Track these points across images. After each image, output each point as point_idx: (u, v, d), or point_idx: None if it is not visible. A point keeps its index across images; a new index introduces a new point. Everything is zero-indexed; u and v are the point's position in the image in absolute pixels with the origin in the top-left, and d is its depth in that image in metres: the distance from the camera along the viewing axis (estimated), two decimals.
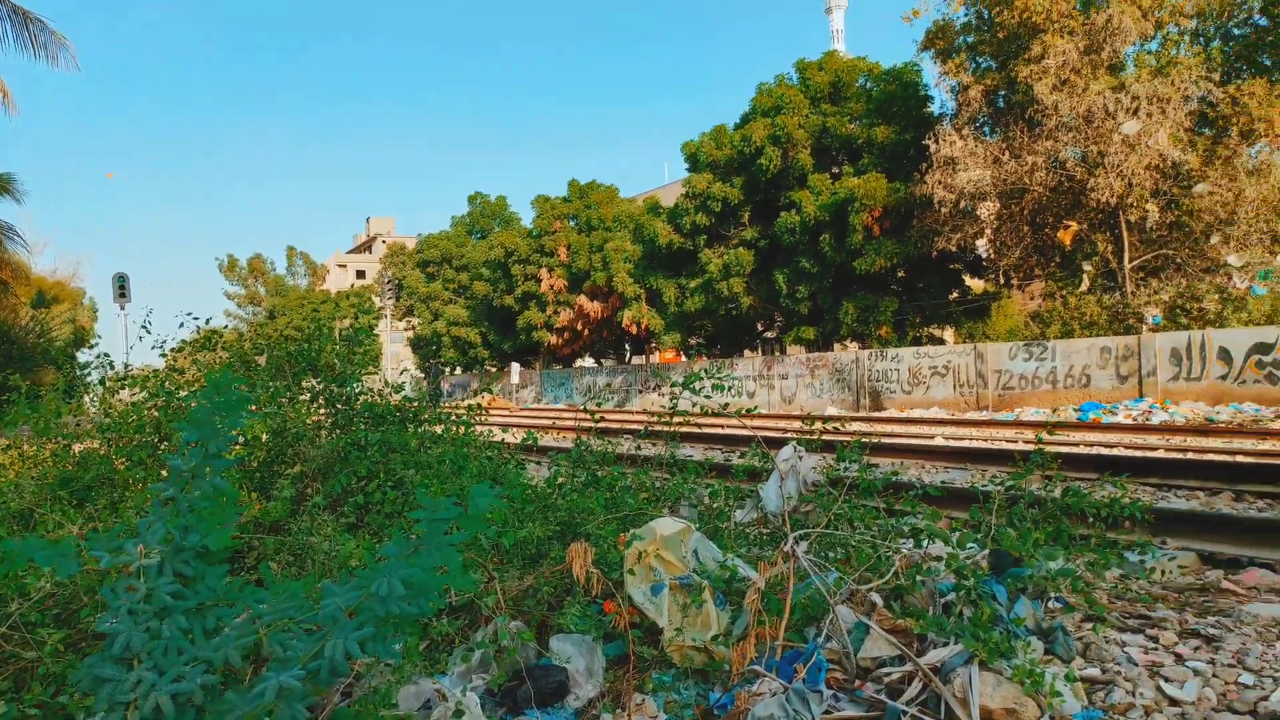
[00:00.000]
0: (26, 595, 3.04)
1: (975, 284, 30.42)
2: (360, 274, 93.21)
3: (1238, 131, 21.09)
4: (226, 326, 7.92)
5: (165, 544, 1.98)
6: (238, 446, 5.60)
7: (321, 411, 5.97)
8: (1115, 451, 12.21)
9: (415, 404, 6.12)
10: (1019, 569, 3.67)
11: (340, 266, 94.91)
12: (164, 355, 6.98)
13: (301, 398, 6.04)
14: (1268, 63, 21.94)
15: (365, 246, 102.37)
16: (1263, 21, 21.76)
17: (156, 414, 5.80)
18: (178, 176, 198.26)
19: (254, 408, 5.73)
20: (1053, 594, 3.76)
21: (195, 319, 7.28)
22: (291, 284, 69.85)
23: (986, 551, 3.84)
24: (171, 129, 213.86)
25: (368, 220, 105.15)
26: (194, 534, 1.99)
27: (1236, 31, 22.53)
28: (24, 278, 33.71)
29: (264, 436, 5.55)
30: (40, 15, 19.38)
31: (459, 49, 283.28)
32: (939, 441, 14.68)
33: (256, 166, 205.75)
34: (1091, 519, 4.22)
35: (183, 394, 5.74)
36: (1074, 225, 23.01)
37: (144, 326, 7.22)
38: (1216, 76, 21.28)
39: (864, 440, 5.22)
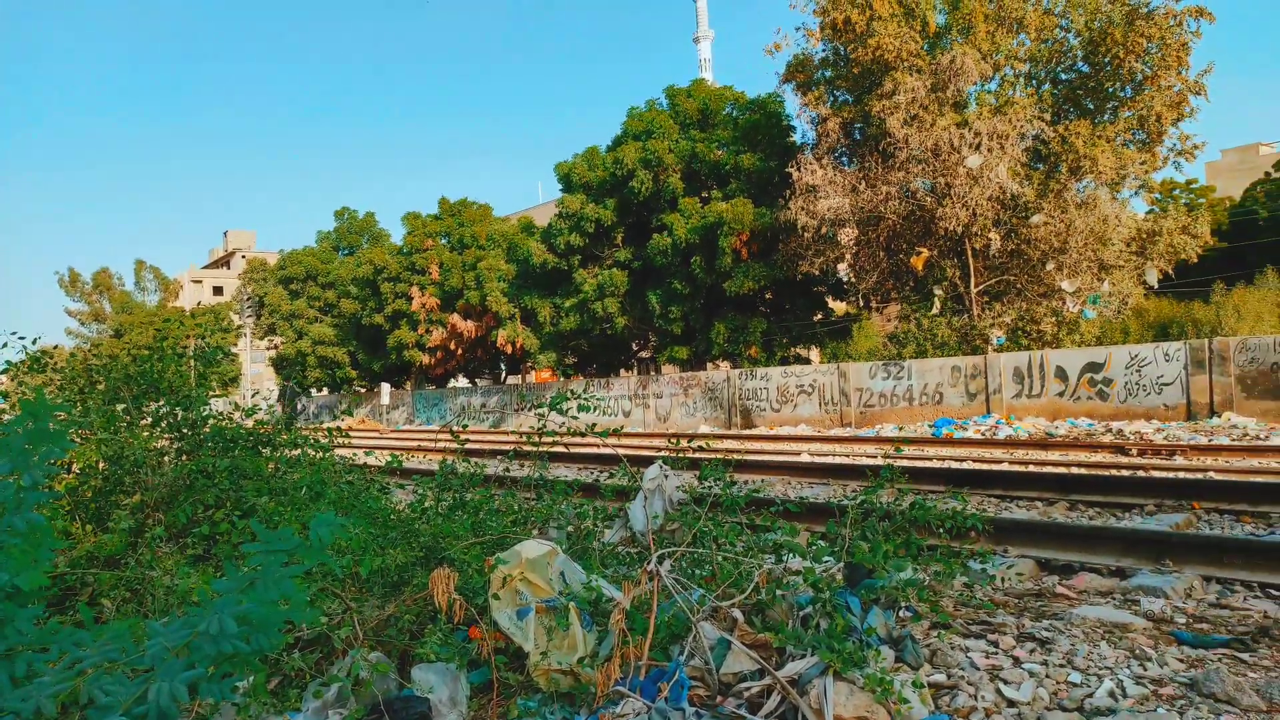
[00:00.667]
0: None
1: (838, 306, 31.77)
2: (218, 290, 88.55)
3: (1067, 168, 22.94)
4: (58, 346, 7.35)
5: None
6: (69, 476, 5.20)
7: (166, 437, 5.61)
8: (964, 465, 12.94)
9: (269, 427, 5.83)
10: (872, 580, 3.82)
11: (195, 282, 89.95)
12: None
13: (143, 422, 5.66)
14: (1090, 106, 24.02)
15: (223, 261, 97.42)
16: (1085, 68, 23.82)
17: None
18: (10, 184, 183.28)
19: (88, 433, 5.34)
20: (903, 603, 3.94)
21: (22, 339, 6.72)
22: (140, 300, 65.62)
23: (842, 564, 3.98)
24: (7, 137, 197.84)
25: (225, 234, 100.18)
26: (3, 573, 1.82)
27: (1064, 76, 24.56)
28: None
29: (100, 464, 5.17)
30: None
31: (324, 61, 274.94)
32: (804, 458, 15.17)
33: (101, 174, 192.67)
34: (939, 530, 4.45)
35: (5, 419, 5.28)
36: (925, 252, 24.40)
37: None
38: (1047, 116, 23.12)
39: (730, 458, 5.33)
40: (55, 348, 7.32)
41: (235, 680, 1.89)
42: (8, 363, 6.57)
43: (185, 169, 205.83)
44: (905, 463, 12.88)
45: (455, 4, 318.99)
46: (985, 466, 12.59)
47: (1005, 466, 12.61)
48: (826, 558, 4.02)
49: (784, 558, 4.15)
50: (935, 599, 4.18)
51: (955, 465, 12.98)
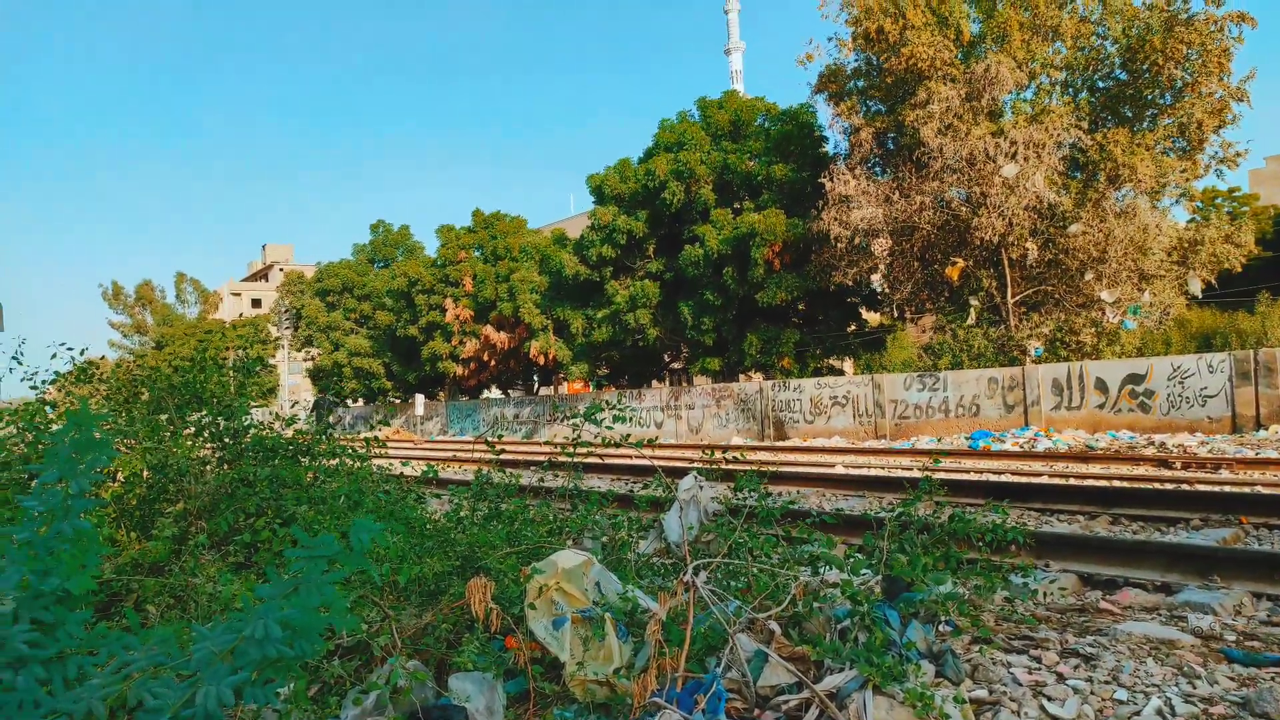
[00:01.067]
0: None
1: (871, 317, 31.53)
2: (256, 303, 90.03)
3: (1105, 177, 22.59)
4: (103, 357, 7.52)
5: (21, 589, 1.84)
6: (115, 484, 5.30)
7: (208, 446, 5.71)
8: (1003, 478, 12.75)
9: (308, 437, 5.90)
10: (911, 594, 3.77)
11: (234, 295, 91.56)
12: (35, 388, 6.59)
13: (186, 431, 5.77)
14: (1129, 114, 23.64)
15: (261, 274, 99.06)
16: (1123, 75, 23.47)
17: (24, 449, 5.45)
18: (59, 200, 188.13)
19: (133, 442, 5.44)
20: (943, 617, 3.88)
21: (70, 350, 6.88)
22: (181, 313, 66.89)
23: (880, 577, 3.93)
24: (52, 151, 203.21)
25: (264, 247, 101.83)
26: (53, 577, 1.86)
27: (1101, 84, 24.22)
28: None
29: (144, 473, 5.27)
30: None
31: (360, 75, 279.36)
32: (839, 470, 15.05)
33: (144, 190, 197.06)
34: (978, 543, 4.38)
35: (54, 428, 5.40)
36: (960, 262, 24.13)
37: (15, 358, 6.82)
38: (1085, 125, 22.80)
39: (764, 469, 5.31)
40: (100, 359, 7.49)
41: (278, 685, 1.91)
42: (56, 373, 6.74)
43: (225, 183, 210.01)
44: (942, 475, 12.70)
45: (488, 19, 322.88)
46: (1024, 479, 12.39)
47: (1045, 479, 12.40)
48: (864, 570, 3.98)
49: (820, 570, 4.11)
50: (976, 613, 4.11)
51: (993, 478, 12.79)
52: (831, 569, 4.05)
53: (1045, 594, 5.09)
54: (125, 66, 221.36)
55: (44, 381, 6.63)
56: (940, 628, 3.86)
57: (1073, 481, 11.96)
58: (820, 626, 3.56)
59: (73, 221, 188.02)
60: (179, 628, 2.14)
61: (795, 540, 4.68)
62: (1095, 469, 13.66)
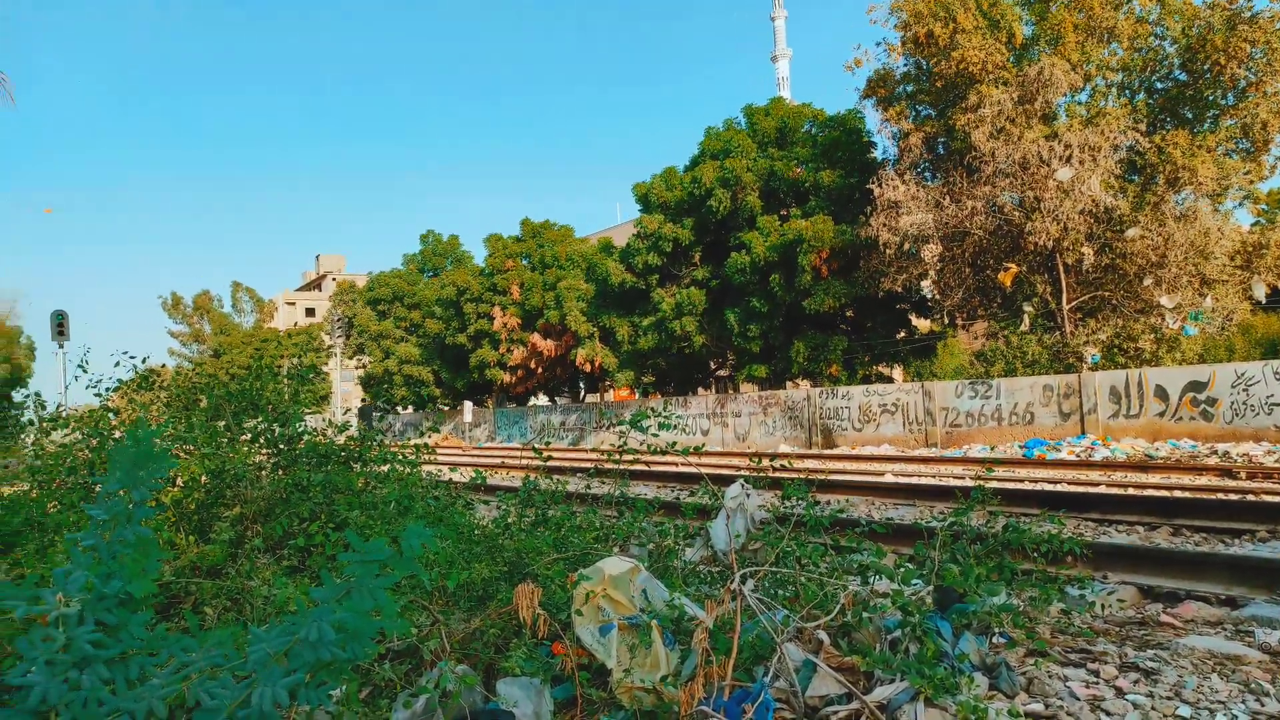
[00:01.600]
0: None
1: (921, 323, 31.06)
2: (310, 312, 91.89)
3: (1164, 179, 21.99)
4: (164, 365, 7.74)
5: (86, 591, 1.90)
6: (174, 489, 5.45)
7: (264, 452, 5.84)
8: (1059, 488, 12.46)
9: (360, 443, 6.01)
10: (963, 605, 3.70)
11: (289, 304, 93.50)
12: (99, 395, 6.80)
13: (243, 438, 5.90)
14: (1189, 115, 22.99)
15: (315, 284, 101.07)
16: (1182, 76, 22.84)
17: (89, 454, 5.63)
18: (121, 212, 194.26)
19: (191, 449, 5.59)
20: (996, 629, 3.80)
21: (132, 358, 7.09)
22: (237, 322, 68.53)
23: (931, 588, 3.87)
24: (114, 164, 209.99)
25: (317, 257, 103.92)
26: (116, 580, 1.92)
27: (1159, 85, 23.60)
28: None
29: (203, 478, 5.40)
30: None
31: (412, 92, 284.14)
32: (888, 479, 14.84)
33: (203, 202, 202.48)
34: (1033, 554, 4.29)
35: (118, 434, 5.58)
36: (1013, 267, 23.67)
37: (80, 365, 7.05)
38: (1142, 127, 22.22)
39: (812, 478, 5.26)
40: (161, 367, 7.71)
41: (330, 688, 1.94)
42: (119, 380, 6.95)
43: (281, 196, 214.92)
44: (995, 484, 12.46)
45: (536, 30, 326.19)
46: (1081, 489, 12.09)
47: (1103, 489, 12.09)
48: (915, 581, 3.91)
49: (870, 580, 4.05)
50: (1031, 625, 4.02)
51: (1049, 487, 12.50)
52: (881, 578, 3.99)
53: (1103, 606, 4.96)
54: (190, 86, 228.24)
55: (108, 389, 6.84)
56: (994, 640, 3.78)
57: (1131, 491, 11.63)
58: (870, 637, 3.51)
59: (137, 234, 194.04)
60: (235, 630, 2.19)
61: (844, 549, 4.63)
62: (1155, 479, 13.27)
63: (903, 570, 3.88)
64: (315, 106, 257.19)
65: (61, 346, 28.41)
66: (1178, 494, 11.20)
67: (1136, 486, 12.22)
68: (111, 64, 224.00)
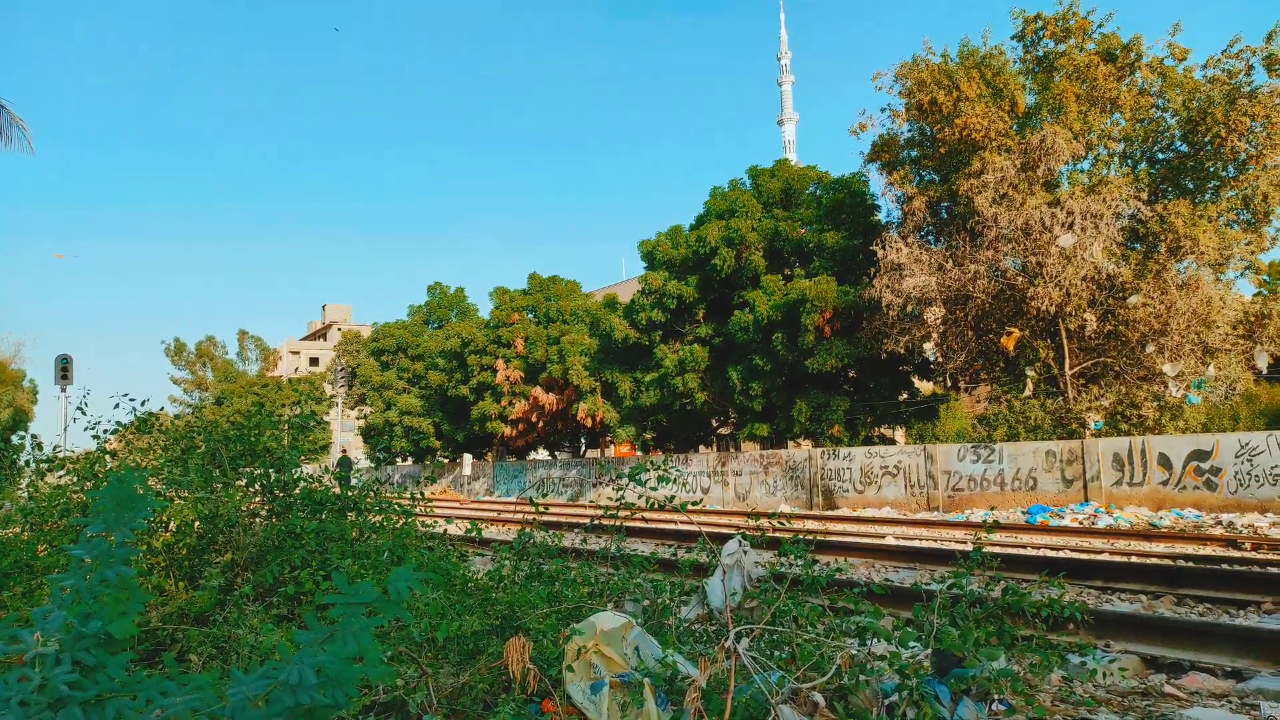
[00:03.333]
0: None
1: (924, 386, 31.03)
2: (314, 361, 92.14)
3: (1166, 248, 22.16)
4: (162, 409, 7.73)
5: (65, 632, 1.87)
6: (166, 534, 5.40)
7: (258, 498, 5.80)
8: (1061, 554, 12.30)
9: (356, 492, 5.97)
10: (962, 669, 3.63)
11: (294, 353, 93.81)
12: (97, 437, 6.79)
13: (238, 483, 5.87)
14: (1191, 185, 23.28)
15: (320, 333, 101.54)
16: (1184, 147, 23.19)
17: (83, 497, 5.60)
18: (129, 259, 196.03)
19: (186, 493, 5.56)
20: (996, 695, 3.72)
21: (131, 400, 7.09)
22: (241, 369, 68.63)
23: (929, 651, 3.80)
24: (123, 211, 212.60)
25: (324, 307, 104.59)
26: (95, 620, 1.89)
27: (1161, 156, 23.94)
28: None
29: (195, 523, 5.36)
30: (3, 99, 19.39)
31: (423, 147, 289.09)
32: (889, 541, 14.68)
33: (211, 250, 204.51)
34: (1034, 619, 4.21)
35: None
36: (1016, 332, 23.74)
37: (79, 408, 7.05)
38: (1144, 196, 22.49)
39: (810, 537, 5.20)
40: (160, 410, 7.70)
41: None
42: (118, 424, 6.94)
43: (289, 246, 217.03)
44: (997, 549, 12.31)
45: (549, 91, 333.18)
46: (1084, 555, 11.93)
47: (1106, 557, 11.92)
48: (913, 643, 3.84)
49: (868, 642, 3.98)
50: (1031, 692, 3.94)
51: (1051, 553, 12.34)
52: (879, 640, 3.92)
53: (1105, 675, 4.85)
54: (198, 132, 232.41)
55: (106, 431, 6.83)
56: (993, 706, 3.70)
57: (1135, 559, 11.48)
58: (867, 700, 3.44)
59: (147, 279, 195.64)
60: (214, 675, 2.15)
61: (841, 610, 4.56)
62: (1159, 547, 13.11)
63: (900, 633, 3.82)
64: (331, 160, 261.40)
65: (64, 390, 28.47)
66: (1182, 563, 11.05)
67: (1140, 555, 12.06)
68: (125, 111, 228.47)
